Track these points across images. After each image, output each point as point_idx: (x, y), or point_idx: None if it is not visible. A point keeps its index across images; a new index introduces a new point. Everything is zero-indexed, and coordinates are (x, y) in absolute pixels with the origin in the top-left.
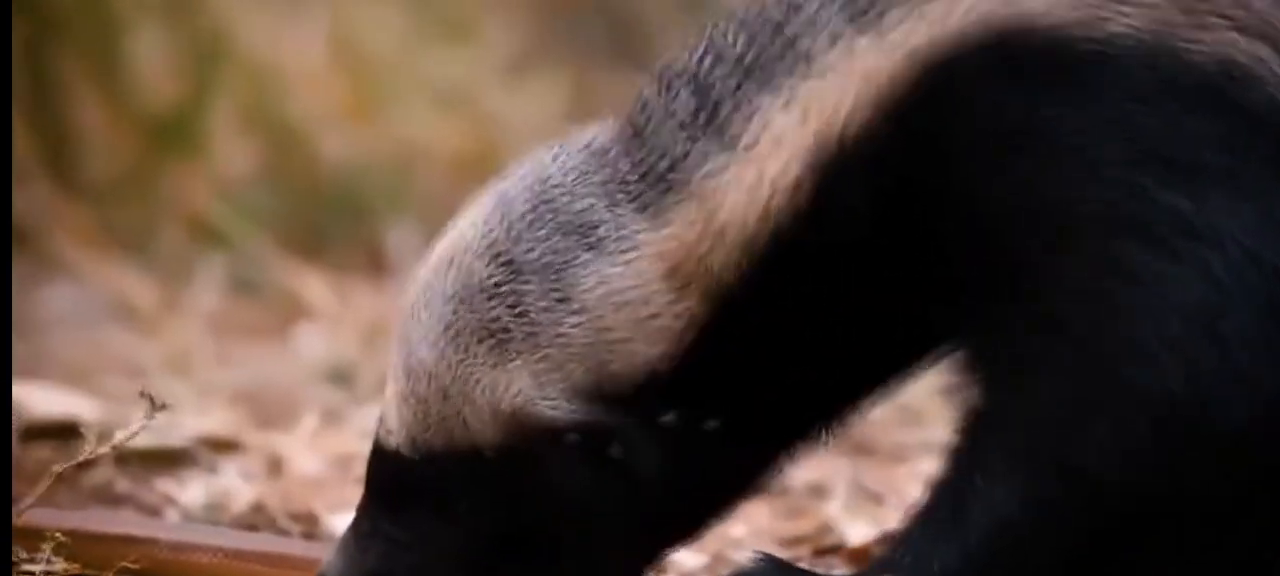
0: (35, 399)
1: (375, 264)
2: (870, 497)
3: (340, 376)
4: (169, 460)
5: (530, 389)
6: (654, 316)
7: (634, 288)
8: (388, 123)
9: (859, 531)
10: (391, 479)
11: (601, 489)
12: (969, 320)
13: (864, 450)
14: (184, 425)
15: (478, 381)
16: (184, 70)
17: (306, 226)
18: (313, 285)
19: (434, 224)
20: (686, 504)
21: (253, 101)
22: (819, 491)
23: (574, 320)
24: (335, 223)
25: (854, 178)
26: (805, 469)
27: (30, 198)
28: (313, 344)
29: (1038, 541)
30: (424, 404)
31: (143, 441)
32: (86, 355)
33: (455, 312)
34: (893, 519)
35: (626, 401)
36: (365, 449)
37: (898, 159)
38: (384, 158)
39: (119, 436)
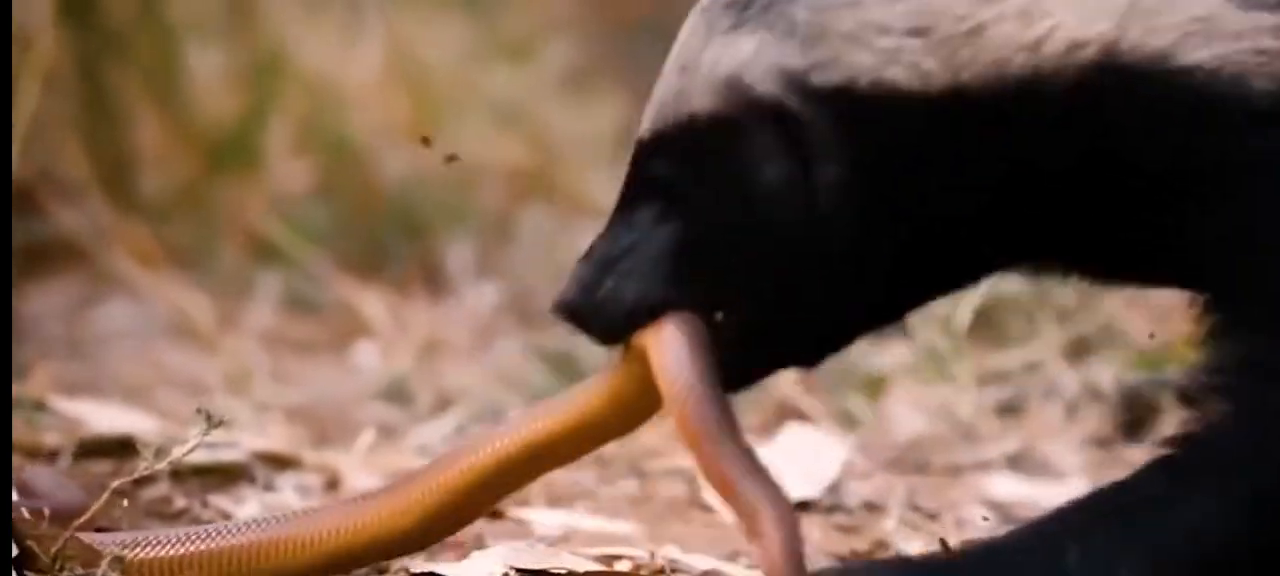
0: (93, 415)
1: (433, 281)
2: (925, 514)
3: (397, 394)
4: (226, 476)
5: (746, 58)
6: (882, 34)
7: (869, 4)
8: (445, 139)
9: (914, 548)
10: (633, 176)
11: (786, 189)
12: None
13: (919, 468)
14: (241, 442)
15: (708, 50)
16: (242, 87)
17: (364, 243)
18: (370, 302)
19: (492, 240)
20: (866, 256)
21: (310, 118)
22: (874, 508)
23: (805, 3)
24: (393, 239)
25: (1135, 88)
26: (860, 486)
27: (88, 215)
28: (370, 361)
29: (1227, 560)
30: (667, 80)
31: (199, 458)
32: (144, 372)
33: None
34: (947, 535)
35: (832, 104)
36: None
37: (1169, 122)
38: (442, 174)
39: (176, 453)
